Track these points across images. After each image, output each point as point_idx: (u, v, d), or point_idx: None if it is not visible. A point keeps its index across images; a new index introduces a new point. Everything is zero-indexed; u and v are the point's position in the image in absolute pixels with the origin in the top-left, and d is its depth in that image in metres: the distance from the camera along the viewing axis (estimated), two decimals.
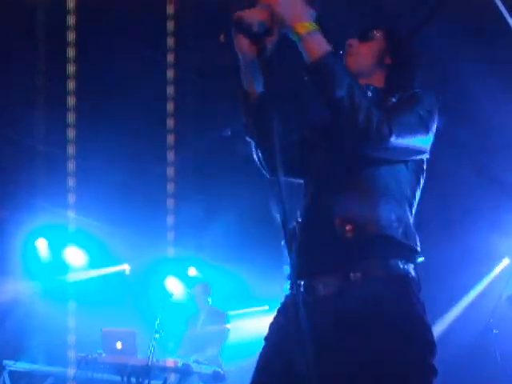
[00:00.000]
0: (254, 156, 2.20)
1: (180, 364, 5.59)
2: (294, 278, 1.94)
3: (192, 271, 8.48)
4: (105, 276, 8.32)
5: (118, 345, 5.68)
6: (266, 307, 9.45)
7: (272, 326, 2.13)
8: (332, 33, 1.96)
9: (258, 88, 2.06)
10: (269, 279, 8.42)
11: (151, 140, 5.40)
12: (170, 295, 6.34)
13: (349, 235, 1.99)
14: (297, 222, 2.16)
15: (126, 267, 8.34)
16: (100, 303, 7.88)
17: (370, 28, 2.20)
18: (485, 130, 5.97)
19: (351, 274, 1.96)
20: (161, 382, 5.74)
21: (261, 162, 2.19)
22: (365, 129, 1.90)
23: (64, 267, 7.72)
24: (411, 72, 2.19)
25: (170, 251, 6.47)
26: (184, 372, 5.68)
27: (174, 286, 7.06)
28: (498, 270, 7.41)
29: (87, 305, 7.27)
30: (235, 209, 7.31)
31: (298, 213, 2.18)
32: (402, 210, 2.07)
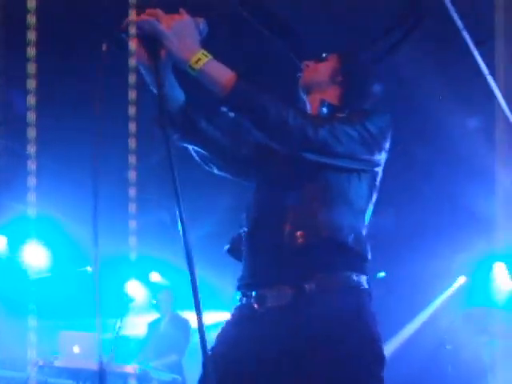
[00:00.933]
0: (196, 158, 2.19)
1: (138, 370, 5.53)
2: (245, 288, 2.00)
3: (155, 276, 8.40)
4: (66, 277, 8.20)
5: (76, 349, 5.60)
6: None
7: (221, 338, 2.10)
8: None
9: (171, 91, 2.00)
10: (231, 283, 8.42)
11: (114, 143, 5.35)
12: (131, 300, 6.27)
13: (300, 241, 1.98)
14: (246, 227, 2.14)
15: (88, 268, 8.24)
16: (59, 304, 7.77)
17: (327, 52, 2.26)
18: (445, 148, 6.06)
19: (306, 286, 1.95)
20: None
21: (203, 160, 2.19)
22: (290, 131, 1.92)
23: (23, 266, 7.58)
24: (363, 91, 2.24)
25: (132, 255, 6.37)
26: (142, 378, 5.64)
27: (135, 290, 6.98)
28: (454, 287, 7.53)
29: (45, 306, 7.14)
30: (202, 212, 7.28)
31: (245, 217, 2.16)
32: (354, 218, 2.07)
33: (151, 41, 1.75)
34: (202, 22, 1.84)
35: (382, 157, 2.14)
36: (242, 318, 2.05)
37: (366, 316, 1.99)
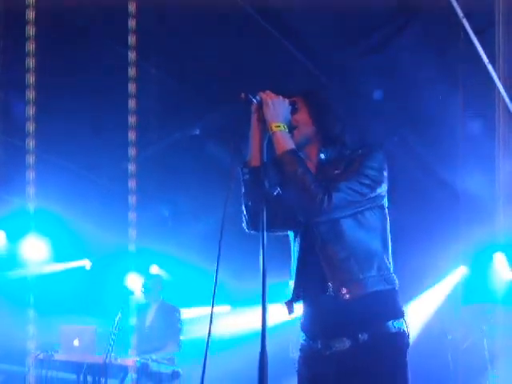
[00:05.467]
0: (244, 211, 2.64)
1: (138, 363, 5.52)
2: (310, 338, 2.54)
3: (154, 269, 8.39)
4: (65, 270, 8.19)
5: (76, 342, 5.59)
6: (228, 307, 9.42)
7: (305, 377, 2.60)
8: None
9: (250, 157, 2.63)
10: (235, 280, 8.40)
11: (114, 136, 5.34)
12: (131, 293, 6.24)
13: (347, 297, 2.46)
14: (295, 280, 2.59)
15: (86, 262, 8.22)
16: (59, 299, 7.75)
17: (291, 96, 2.64)
18: (444, 137, 6.03)
19: (359, 336, 2.45)
20: (118, 381, 5.65)
21: (246, 219, 2.64)
22: (309, 204, 2.46)
23: (22, 260, 7.57)
24: (338, 129, 2.65)
25: (132, 247, 6.36)
26: (142, 371, 5.61)
27: (135, 282, 6.95)
28: (454, 277, 7.50)
29: (45, 300, 7.13)
30: (202, 208, 7.26)
31: (294, 269, 2.61)
32: (380, 257, 2.53)
33: (260, 106, 2.53)
34: (290, 104, 2.59)
35: (383, 189, 2.55)
36: (311, 357, 2.58)
37: (403, 356, 2.50)
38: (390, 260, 2.57)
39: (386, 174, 2.53)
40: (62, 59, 5.41)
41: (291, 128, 2.56)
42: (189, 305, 7.46)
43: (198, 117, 6.23)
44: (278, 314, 2.79)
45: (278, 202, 2.60)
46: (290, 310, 2.58)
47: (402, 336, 2.50)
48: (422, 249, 6.88)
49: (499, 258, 6.92)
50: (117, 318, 5.60)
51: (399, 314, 2.52)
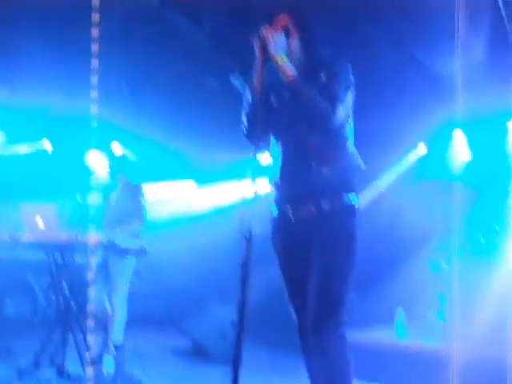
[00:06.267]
0: (244, 122, 3.27)
1: (104, 240, 5.56)
2: (283, 207, 3.21)
3: (116, 146, 8.26)
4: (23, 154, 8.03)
5: (39, 220, 5.54)
6: (192, 181, 9.47)
7: (278, 242, 3.28)
8: None
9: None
10: (200, 152, 8.38)
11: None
12: (91, 172, 6.17)
13: (324, 173, 3.08)
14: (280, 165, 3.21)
15: (46, 144, 8.03)
16: (19, 181, 7.65)
17: (280, 18, 3.22)
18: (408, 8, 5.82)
19: (322, 204, 3.10)
20: (85, 258, 5.71)
21: (246, 128, 3.25)
22: (321, 116, 3.09)
23: None
24: (323, 53, 3.26)
25: (93, 123, 6.20)
26: (108, 247, 5.70)
27: (96, 161, 6.82)
28: (413, 154, 7.58)
29: (6, 183, 7.05)
30: (163, 78, 7.07)
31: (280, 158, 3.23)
32: (350, 142, 3.21)
33: (263, 41, 3.09)
34: (285, 33, 3.16)
35: (353, 93, 3.22)
36: (282, 226, 3.24)
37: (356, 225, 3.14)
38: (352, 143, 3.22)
39: (352, 78, 3.19)
40: None
41: (288, 54, 3.13)
42: (152, 181, 7.46)
43: None
44: (246, 189, 3.00)
45: (272, 115, 3.21)
46: (278, 188, 3.21)
47: (354, 208, 3.13)
48: (380, 123, 6.87)
49: (458, 136, 7.02)
50: (78, 196, 5.57)
51: (354, 189, 3.15)
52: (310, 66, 3.24)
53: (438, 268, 6.47)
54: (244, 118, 3.25)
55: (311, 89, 3.09)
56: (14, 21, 5.70)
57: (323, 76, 3.17)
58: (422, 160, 7.54)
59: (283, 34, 3.15)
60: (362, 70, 6.20)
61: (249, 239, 2.79)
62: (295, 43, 3.23)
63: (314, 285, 3.06)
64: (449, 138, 7.15)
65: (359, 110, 3.34)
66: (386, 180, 7.69)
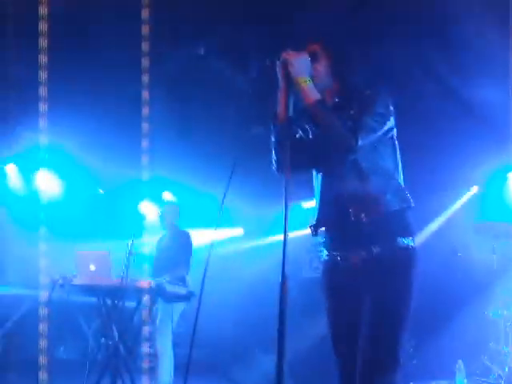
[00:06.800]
0: (273, 156, 3.05)
1: (153, 284, 5.67)
2: (331, 253, 3.02)
3: (167, 195, 8.49)
4: (78, 200, 8.31)
5: (92, 267, 5.68)
6: (241, 230, 9.57)
7: (327, 287, 3.08)
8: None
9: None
10: (246, 203, 8.50)
11: (124, 63, 5.31)
12: (143, 217, 6.35)
13: (364, 220, 2.87)
14: (320, 208, 3.04)
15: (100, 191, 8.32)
16: (74, 227, 7.89)
17: (310, 46, 3.02)
18: (458, 48, 5.83)
19: (372, 248, 2.88)
20: (135, 302, 5.84)
21: (276, 162, 3.03)
22: (340, 144, 2.90)
23: (36, 192, 7.67)
24: (355, 79, 3.07)
25: (145, 175, 6.44)
26: (158, 292, 5.77)
27: (148, 209, 7.05)
28: (467, 197, 7.55)
29: (61, 229, 7.27)
30: (211, 130, 7.24)
31: (318, 199, 3.06)
32: (395, 181, 2.96)
33: (285, 65, 2.90)
34: (310, 56, 2.95)
35: (392, 122, 2.96)
36: (331, 269, 3.05)
37: (411, 269, 2.90)
38: (402, 182, 2.99)
39: (391, 108, 2.95)
40: None
41: (312, 77, 2.93)
42: (201, 228, 7.58)
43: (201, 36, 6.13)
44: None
45: (302, 146, 3.02)
46: (315, 233, 3.04)
47: (409, 251, 2.89)
48: (434, 167, 6.88)
49: None
50: (129, 243, 5.72)
51: (408, 232, 2.91)
52: (341, 94, 3.02)
53: (498, 315, 6.26)
54: (273, 152, 3.04)
55: (332, 116, 2.88)
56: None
57: (355, 105, 2.95)
58: (477, 202, 7.50)
59: (308, 57, 2.94)
60: (418, 112, 6.25)
61: (283, 286, 2.54)
62: (322, 68, 2.99)
63: (365, 334, 2.83)
64: (504, 179, 7.12)
65: (415, 150, 3.25)
66: (440, 221, 7.66)
